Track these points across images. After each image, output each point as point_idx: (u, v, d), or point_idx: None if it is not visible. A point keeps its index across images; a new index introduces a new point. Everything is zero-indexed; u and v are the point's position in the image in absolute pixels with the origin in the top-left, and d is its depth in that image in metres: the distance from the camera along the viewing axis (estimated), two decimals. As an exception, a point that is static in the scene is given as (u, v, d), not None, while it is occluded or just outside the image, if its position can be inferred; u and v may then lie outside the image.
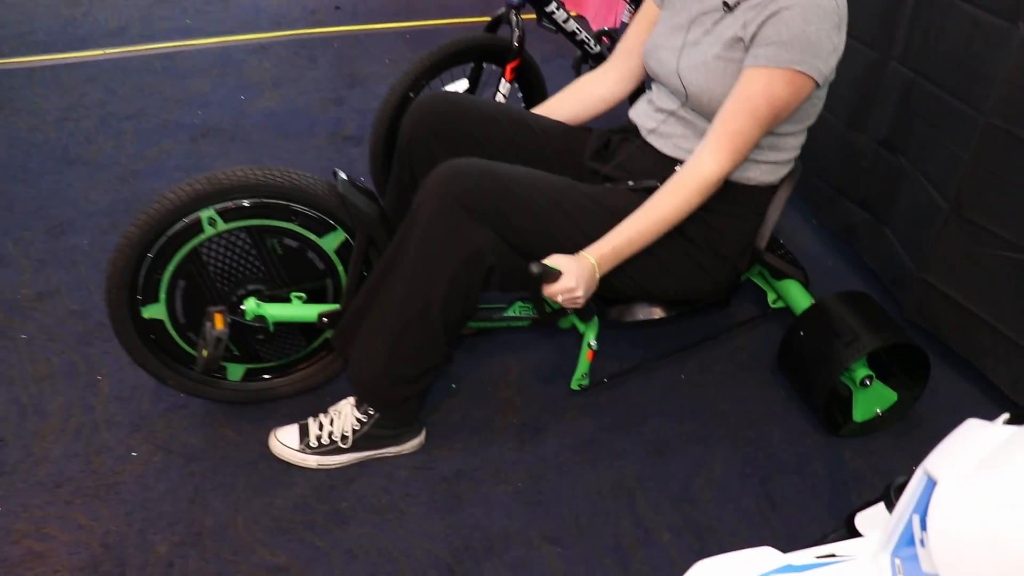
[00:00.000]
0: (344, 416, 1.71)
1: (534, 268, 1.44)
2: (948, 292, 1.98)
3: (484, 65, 2.29)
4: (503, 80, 2.26)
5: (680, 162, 1.64)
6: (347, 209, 1.63)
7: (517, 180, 1.55)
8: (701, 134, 1.60)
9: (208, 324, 1.59)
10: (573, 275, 1.48)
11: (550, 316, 1.60)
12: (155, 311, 1.66)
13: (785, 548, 1.62)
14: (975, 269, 1.90)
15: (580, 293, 1.49)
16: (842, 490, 1.73)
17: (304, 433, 1.72)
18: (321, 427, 1.72)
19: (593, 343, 1.80)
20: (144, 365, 1.71)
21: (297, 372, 1.87)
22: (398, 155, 1.82)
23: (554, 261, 1.48)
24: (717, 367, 2.03)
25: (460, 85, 2.24)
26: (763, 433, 1.85)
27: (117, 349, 1.97)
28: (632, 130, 1.77)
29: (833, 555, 0.92)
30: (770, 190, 1.70)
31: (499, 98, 2.28)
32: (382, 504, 1.65)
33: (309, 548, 1.56)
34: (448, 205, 1.50)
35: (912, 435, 1.86)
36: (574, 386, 1.89)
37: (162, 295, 1.65)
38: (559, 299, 1.49)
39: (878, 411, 1.85)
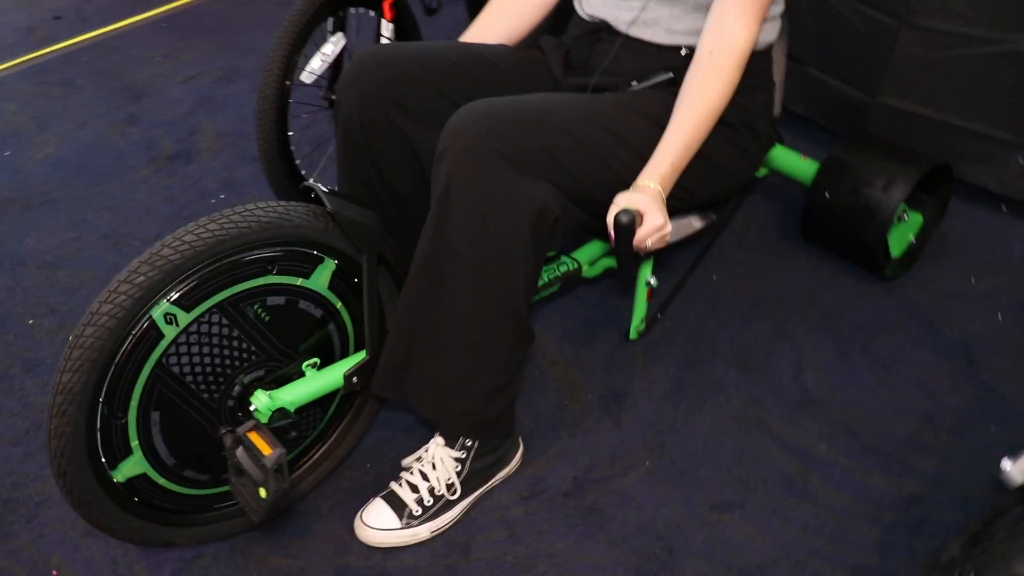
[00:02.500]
0: (441, 462, 1.36)
1: (623, 218, 1.16)
2: (914, 109, 1.93)
3: (351, 11, 1.87)
4: (384, 22, 1.86)
5: (679, 48, 1.40)
6: (347, 230, 1.23)
7: (549, 110, 1.24)
8: (695, 8, 1.36)
9: (243, 456, 1.14)
10: (656, 210, 1.22)
11: (633, 266, 1.33)
12: (131, 467, 1.18)
13: (933, 408, 1.52)
14: (939, 77, 1.86)
15: (669, 228, 1.24)
16: (934, 329, 1.66)
17: (398, 504, 1.35)
18: (416, 489, 1.35)
19: (652, 281, 1.56)
20: (137, 539, 1.23)
21: (316, 453, 1.45)
22: (347, 146, 1.41)
23: (625, 202, 1.21)
24: (738, 256, 1.87)
25: (335, 45, 1.81)
26: (827, 304, 1.73)
27: (65, 523, 1.41)
28: (598, 28, 1.49)
29: None
30: (770, 50, 1.52)
31: (386, 47, 1.89)
32: (522, 559, 1.33)
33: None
34: (491, 165, 1.17)
35: (946, 252, 1.83)
36: (633, 335, 1.65)
37: (134, 443, 1.17)
38: (648, 243, 1.23)
39: (912, 239, 1.79)
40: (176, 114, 2.43)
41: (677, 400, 1.56)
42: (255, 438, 1.15)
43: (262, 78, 1.69)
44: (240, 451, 1.15)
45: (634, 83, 1.41)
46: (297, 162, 1.82)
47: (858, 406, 1.53)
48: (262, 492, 1.14)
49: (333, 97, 1.82)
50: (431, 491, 1.35)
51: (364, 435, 1.50)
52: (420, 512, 1.34)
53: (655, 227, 1.21)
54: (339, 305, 1.34)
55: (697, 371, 1.61)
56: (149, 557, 1.37)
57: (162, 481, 1.23)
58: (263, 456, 1.12)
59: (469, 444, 1.37)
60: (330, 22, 1.86)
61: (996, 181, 1.88)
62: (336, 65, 1.82)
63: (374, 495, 1.38)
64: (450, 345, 1.25)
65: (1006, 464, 1.15)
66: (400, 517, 1.34)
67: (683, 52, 1.37)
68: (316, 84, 1.81)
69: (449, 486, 1.36)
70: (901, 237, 1.78)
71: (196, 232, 1.13)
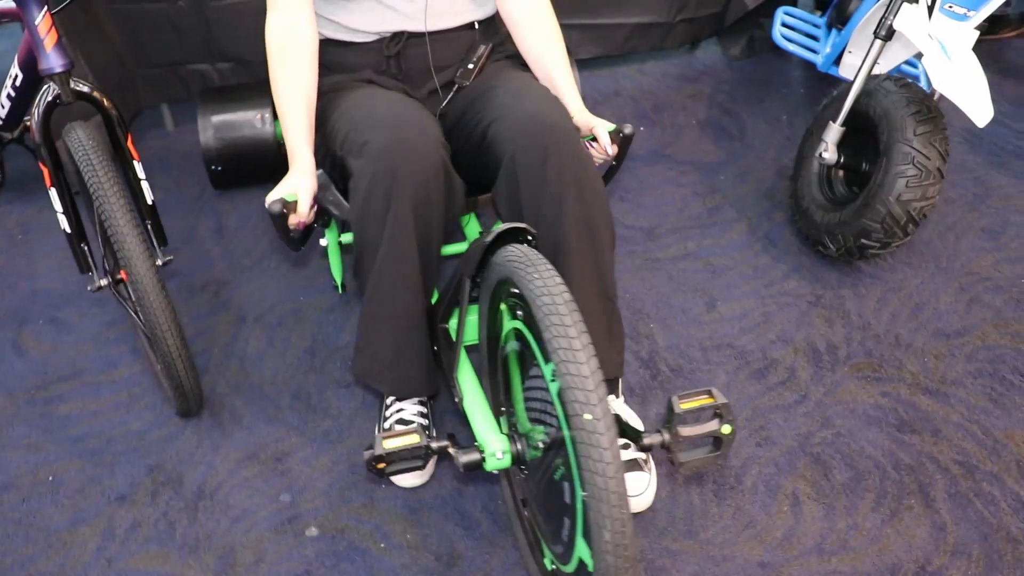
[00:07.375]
0: (622, 412, 1.55)
1: (627, 130, 1.47)
2: (575, 21, 2.48)
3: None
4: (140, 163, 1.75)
5: (471, 24, 1.60)
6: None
7: (547, 91, 1.53)
8: None
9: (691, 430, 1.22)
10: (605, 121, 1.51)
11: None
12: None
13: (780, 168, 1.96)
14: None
15: None
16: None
17: (632, 465, 1.48)
18: (627, 445, 1.48)
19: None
20: None
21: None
22: (418, 209, 1.39)
23: (604, 123, 1.49)
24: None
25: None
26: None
27: None
28: (397, 39, 1.56)
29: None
30: None
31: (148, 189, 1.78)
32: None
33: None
34: (580, 141, 1.43)
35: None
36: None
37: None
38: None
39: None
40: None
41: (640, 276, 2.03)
42: (689, 403, 1.21)
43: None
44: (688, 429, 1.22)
45: (470, 65, 1.59)
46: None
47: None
48: (726, 429, 1.21)
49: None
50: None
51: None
52: (644, 455, 1.50)
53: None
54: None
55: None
56: None
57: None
58: (710, 417, 1.22)
59: (619, 382, 1.58)
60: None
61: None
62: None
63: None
64: (605, 304, 1.45)
65: (824, 153, 1.82)
66: (645, 471, 1.48)
67: (476, 25, 1.60)
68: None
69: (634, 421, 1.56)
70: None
71: (559, 290, 1.10)
